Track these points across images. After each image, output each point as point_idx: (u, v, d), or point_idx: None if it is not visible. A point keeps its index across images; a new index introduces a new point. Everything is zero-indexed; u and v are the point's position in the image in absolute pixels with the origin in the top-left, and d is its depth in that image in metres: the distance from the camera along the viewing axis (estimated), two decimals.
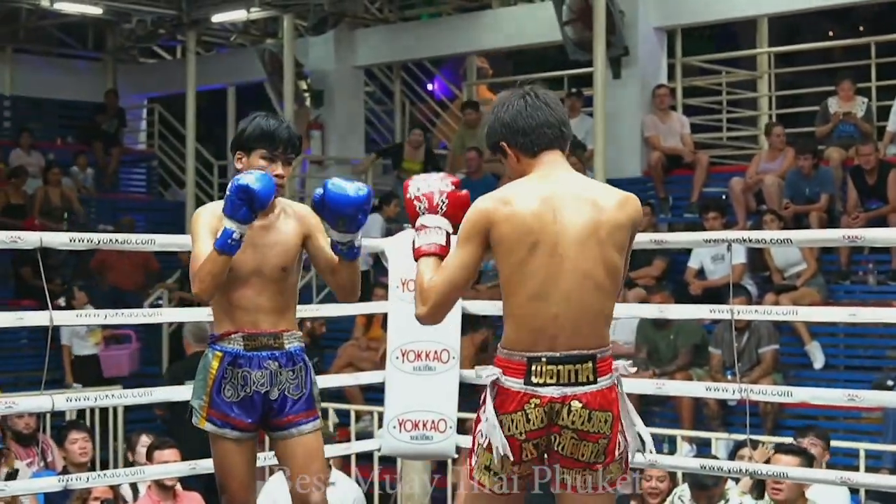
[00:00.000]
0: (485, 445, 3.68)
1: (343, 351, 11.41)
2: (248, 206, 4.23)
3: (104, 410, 9.75)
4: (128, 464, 8.38)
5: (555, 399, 3.64)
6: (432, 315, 3.72)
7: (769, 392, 6.22)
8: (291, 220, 4.53)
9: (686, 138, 12.56)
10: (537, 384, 3.64)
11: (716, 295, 10.10)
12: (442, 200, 3.83)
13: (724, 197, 11.60)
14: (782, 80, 15.51)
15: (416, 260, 3.79)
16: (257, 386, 4.45)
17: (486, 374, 3.70)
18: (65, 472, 7.67)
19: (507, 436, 3.64)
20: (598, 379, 3.67)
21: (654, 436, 8.68)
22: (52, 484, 5.60)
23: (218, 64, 17.60)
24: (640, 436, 3.78)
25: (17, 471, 7.82)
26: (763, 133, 12.75)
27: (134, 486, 7.33)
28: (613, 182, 12.46)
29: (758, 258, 10.71)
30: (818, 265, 10.43)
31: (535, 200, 3.66)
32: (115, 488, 7.09)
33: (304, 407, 4.52)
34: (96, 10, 15.29)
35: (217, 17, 15.51)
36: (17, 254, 13.21)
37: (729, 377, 9.32)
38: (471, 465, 3.75)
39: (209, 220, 4.39)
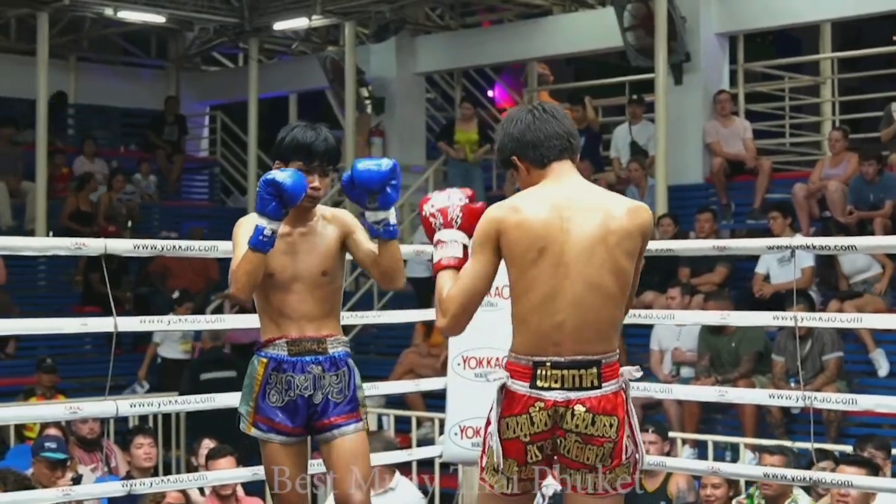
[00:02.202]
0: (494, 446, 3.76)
1: (404, 357, 11.43)
2: (278, 201, 4.26)
3: (167, 416, 9.82)
4: (190, 468, 8.45)
5: (559, 403, 3.69)
6: (453, 326, 3.79)
7: (833, 400, 6.18)
8: (330, 223, 4.58)
9: (748, 144, 12.47)
10: (542, 388, 3.71)
11: (778, 301, 10.04)
12: (457, 214, 3.91)
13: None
14: (846, 85, 15.41)
15: (436, 274, 3.86)
16: (301, 390, 4.48)
17: (494, 377, 3.79)
18: (129, 476, 7.74)
19: (511, 437, 3.72)
20: (603, 384, 3.72)
21: (716, 444, 8.68)
22: (115, 489, 5.65)
23: (280, 71, 17.69)
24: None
25: (80, 476, 7.90)
26: (826, 139, 12.67)
27: (202, 490, 7.39)
28: (676, 188, 12.54)
29: (826, 265, 10.61)
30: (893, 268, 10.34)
31: (545, 208, 3.72)
32: (185, 493, 7.14)
33: (347, 409, 4.53)
34: (159, 19, 15.40)
35: (279, 25, 15.59)
36: (88, 261, 13.32)
37: (792, 385, 9.25)
38: (481, 465, 3.82)
39: (249, 228, 4.43)
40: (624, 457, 3.74)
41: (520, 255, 3.70)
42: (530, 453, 3.73)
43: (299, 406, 4.49)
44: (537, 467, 3.77)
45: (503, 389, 3.75)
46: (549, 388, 3.70)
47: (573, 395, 3.69)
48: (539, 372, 3.71)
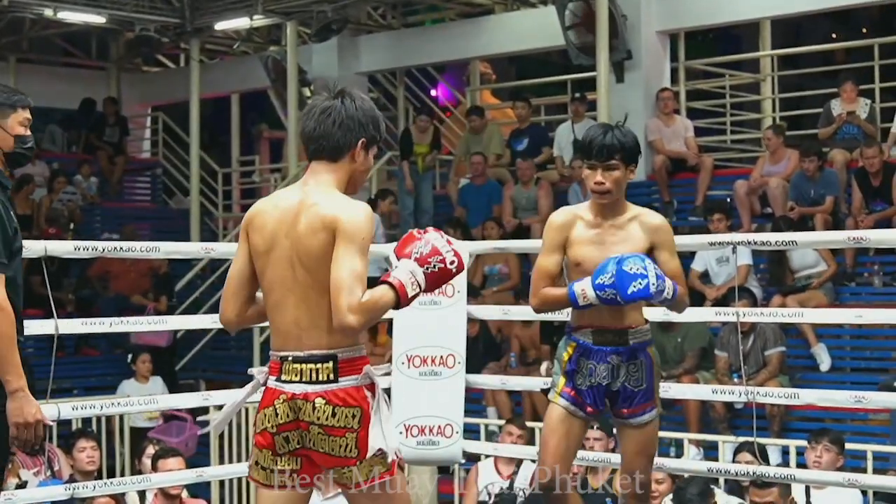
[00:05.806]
0: (253, 443, 3.97)
1: None
2: (613, 298, 4.56)
3: (110, 419, 9.75)
4: (134, 472, 8.39)
5: (296, 395, 3.85)
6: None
7: (775, 394, 6.22)
8: (641, 226, 4.81)
9: (690, 141, 12.55)
10: (285, 381, 3.87)
11: (721, 297, 10.10)
12: (435, 262, 3.88)
13: (728, 200, 11.58)
14: (786, 82, 15.52)
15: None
16: (600, 378, 4.84)
17: (256, 373, 4.00)
18: (72, 480, 7.68)
19: (262, 429, 3.90)
20: (340, 378, 3.85)
21: (661, 439, 8.72)
22: (58, 492, 5.60)
23: (221, 71, 17.60)
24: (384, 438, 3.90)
25: (25, 482, 7.82)
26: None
27: (142, 494, 7.34)
28: None
29: (775, 262, 10.65)
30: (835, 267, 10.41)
31: (276, 211, 3.90)
32: (119, 497, 7.09)
33: (643, 399, 4.87)
34: (99, 19, 15.29)
35: (220, 25, 15.52)
36: (29, 263, 13.17)
37: (735, 380, 9.31)
38: (250, 464, 3.99)
39: (555, 232, 4.82)
40: (370, 450, 3.83)
41: (256, 256, 3.91)
42: (278, 444, 3.87)
43: (599, 392, 4.82)
44: (289, 464, 3.88)
45: (261, 386, 3.94)
46: (290, 381, 3.86)
47: (310, 388, 3.84)
48: (284, 366, 3.88)
